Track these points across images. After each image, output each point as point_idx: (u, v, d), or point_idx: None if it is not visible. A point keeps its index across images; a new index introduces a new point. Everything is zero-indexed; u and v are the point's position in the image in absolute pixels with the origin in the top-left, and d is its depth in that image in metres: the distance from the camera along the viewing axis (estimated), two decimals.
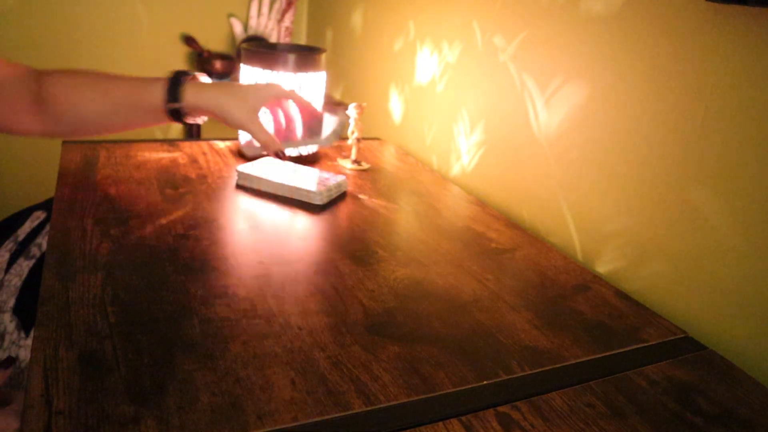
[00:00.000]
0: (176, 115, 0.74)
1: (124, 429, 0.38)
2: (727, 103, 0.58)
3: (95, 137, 0.89)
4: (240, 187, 0.82)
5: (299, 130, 0.83)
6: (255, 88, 0.77)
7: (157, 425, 0.39)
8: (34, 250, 0.84)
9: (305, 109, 0.83)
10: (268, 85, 0.78)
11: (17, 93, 0.73)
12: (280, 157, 0.78)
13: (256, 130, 0.75)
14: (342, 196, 0.83)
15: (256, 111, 0.76)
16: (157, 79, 0.74)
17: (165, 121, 0.76)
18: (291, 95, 0.80)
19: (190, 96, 0.73)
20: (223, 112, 0.74)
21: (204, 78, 0.78)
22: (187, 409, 0.40)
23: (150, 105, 0.74)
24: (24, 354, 0.76)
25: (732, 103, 0.58)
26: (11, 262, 0.83)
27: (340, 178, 0.84)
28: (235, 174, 0.84)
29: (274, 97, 0.78)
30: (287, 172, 0.83)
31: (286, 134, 0.82)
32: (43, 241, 0.84)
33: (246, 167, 0.83)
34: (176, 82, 0.73)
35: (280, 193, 0.81)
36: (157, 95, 0.73)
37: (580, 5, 0.75)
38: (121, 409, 0.40)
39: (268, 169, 0.84)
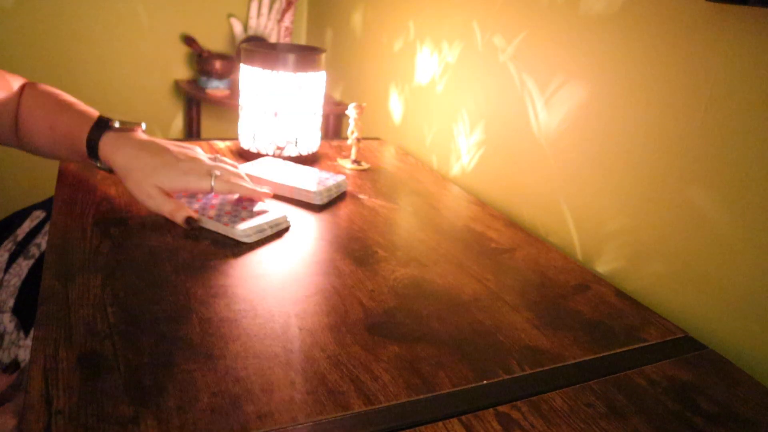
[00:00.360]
0: (104, 169, 0.71)
1: (124, 429, 0.38)
2: (727, 102, 0.58)
3: None
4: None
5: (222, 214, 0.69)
6: (171, 171, 0.66)
7: (157, 425, 0.39)
8: (34, 250, 0.84)
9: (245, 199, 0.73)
10: (190, 175, 0.67)
11: (10, 109, 0.73)
12: (190, 225, 0.66)
13: (153, 205, 0.66)
14: (342, 196, 0.83)
15: (156, 188, 0.66)
16: (88, 123, 0.69)
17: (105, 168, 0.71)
18: (211, 191, 0.68)
19: (103, 152, 0.68)
20: (125, 180, 0.67)
21: (140, 129, 0.71)
22: (187, 409, 0.40)
23: (82, 153, 0.70)
24: (23, 354, 0.76)
25: (732, 103, 0.58)
26: (10, 262, 0.83)
27: (340, 177, 0.84)
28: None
29: (192, 190, 0.68)
30: (287, 173, 0.83)
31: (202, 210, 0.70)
32: (42, 240, 0.84)
33: (245, 167, 0.83)
34: (96, 133, 0.68)
35: (279, 193, 0.81)
36: (83, 143, 0.69)
37: (580, 5, 0.75)
38: (121, 409, 0.40)
39: (267, 170, 0.83)
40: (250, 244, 0.66)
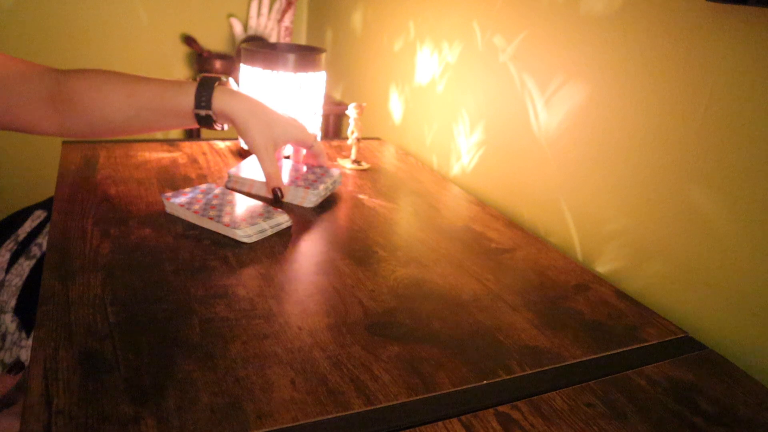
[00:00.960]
0: (204, 120, 0.73)
1: (124, 429, 0.38)
2: (727, 102, 0.58)
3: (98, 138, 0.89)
4: (231, 189, 0.80)
5: (300, 179, 0.80)
6: (285, 123, 0.75)
7: (157, 425, 0.39)
8: (35, 250, 0.84)
9: (315, 162, 0.83)
10: (299, 127, 0.77)
11: (35, 92, 0.72)
12: (276, 196, 0.75)
13: (266, 159, 0.74)
14: (338, 194, 0.83)
15: (276, 144, 0.75)
16: (186, 83, 0.73)
17: (192, 126, 0.75)
18: (312, 146, 0.80)
19: (219, 102, 0.72)
20: (247, 129, 0.73)
21: (234, 85, 0.77)
22: (187, 409, 0.40)
23: (178, 109, 0.73)
24: (25, 354, 0.76)
25: (732, 103, 0.58)
26: (12, 261, 0.83)
27: (335, 172, 0.83)
28: (226, 176, 0.83)
29: (299, 141, 0.78)
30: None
31: (289, 178, 0.80)
32: (43, 240, 0.84)
33: (241, 165, 0.82)
34: (207, 87, 0.72)
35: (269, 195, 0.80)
36: (187, 100, 0.72)
37: (580, 5, 0.75)
38: (121, 409, 0.40)
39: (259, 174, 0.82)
40: (250, 244, 0.66)
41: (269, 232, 0.68)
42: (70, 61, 1.67)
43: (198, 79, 0.73)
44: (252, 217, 0.68)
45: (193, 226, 0.68)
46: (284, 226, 0.71)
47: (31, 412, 0.38)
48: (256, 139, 0.72)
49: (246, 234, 0.65)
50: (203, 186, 0.75)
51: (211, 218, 0.67)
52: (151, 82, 0.74)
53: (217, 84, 0.73)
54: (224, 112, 0.72)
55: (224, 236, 0.66)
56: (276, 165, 0.74)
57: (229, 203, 0.71)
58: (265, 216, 0.69)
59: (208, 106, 0.71)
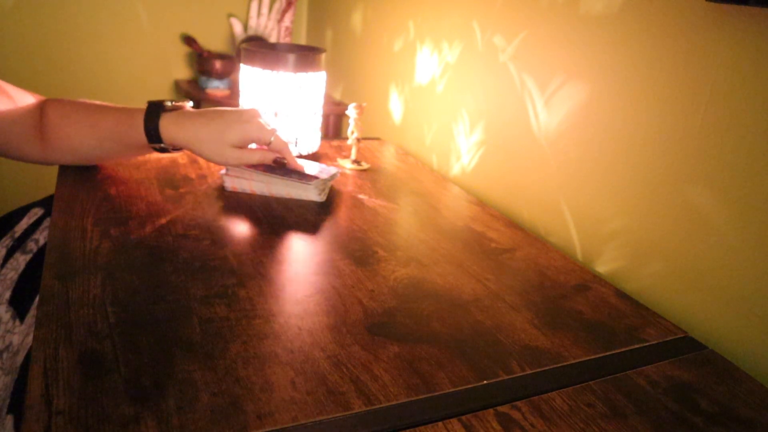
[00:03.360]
0: (165, 150, 0.74)
1: (124, 429, 0.38)
2: (727, 102, 0.58)
3: None
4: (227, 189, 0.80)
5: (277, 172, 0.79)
6: (239, 126, 0.73)
7: (157, 425, 0.39)
8: (31, 245, 0.84)
9: (285, 158, 0.79)
10: (255, 125, 0.74)
11: (23, 127, 0.74)
12: (280, 162, 0.77)
13: (233, 161, 0.73)
14: (338, 194, 0.83)
15: (230, 146, 0.73)
16: (135, 114, 0.72)
17: (151, 153, 0.75)
18: (269, 142, 0.76)
19: (166, 134, 0.71)
20: (201, 154, 0.73)
21: (188, 105, 0.76)
22: (187, 409, 0.40)
23: (135, 143, 0.73)
24: (17, 339, 0.76)
25: (731, 103, 0.58)
26: (7, 257, 0.83)
27: (333, 170, 0.83)
28: (223, 171, 0.81)
29: (256, 140, 0.75)
30: (278, 170, 0.80)
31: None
32: (40, 236, 0.84)
33: (231, 170, 0.81)
34: (152, 119, 0.71)
35: (274, 192, 0.80)
36: (138, 133, 0.72)
37: (580, 5, 0.75)
38: (121, 409, 0.40)
39: (257, 166, 0.80)
40: (251, 243, 0.65)
41: (329, 182, 0.80)
42: (71, 61, 1.67)
43: (146, 105, 0.72)
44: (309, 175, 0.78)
45: (194, 225, 0.68)
46: (336, 175, 0.82)
47: (31, 412, 0.38)
48: (213, 159, 0.73)
49: (318, 188, 0.77)
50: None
51: (282, 177, 0.75)
52: (109, 112, 0.73)
53: (162, 113, 0.71)
54: (174, 144, 0.72)
55: (223, 236, 0.66)
56: (251, 152, 0.74)
57: (282, 170, 0.78)
58: (322, 172, 0.80)
59: (159, 140, 0.71)
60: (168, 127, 0.71)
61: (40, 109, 0.74)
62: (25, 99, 0.75)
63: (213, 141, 0.72)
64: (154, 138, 0.72)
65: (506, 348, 0.52)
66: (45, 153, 0.76)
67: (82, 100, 0.76)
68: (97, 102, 0.76)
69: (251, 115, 0.74)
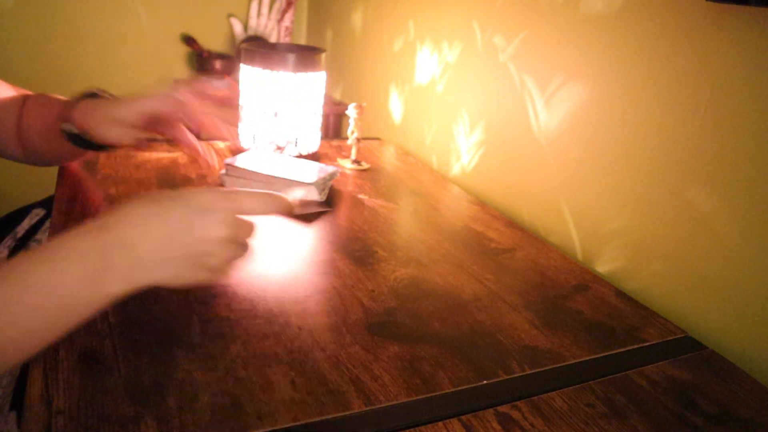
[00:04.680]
0: (79, 141, 0.68)
1: (124, 429, 0.38)
2: (727, 102, 0.58)
3: None
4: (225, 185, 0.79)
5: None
6: (127, 100, 0.67)
7: (157, 425, 0.39)
8: (33, 246, 0.84)
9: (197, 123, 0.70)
10: (148, 97, 0.67)
11: (6, 125, 0.72)
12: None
13: (131, 138, 0.66)
14: (338, 194, 0.83)
15: (132, 122, 0.66)
16: (71, 101, 0.68)
17: (81, 153, 0.70)
18: (180, 111, 0.68)
19: (79, 118, 0.66)
20: (98, 134, 0.66)
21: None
22: (187, 409, 0.40)
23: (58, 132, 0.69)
24: None
25: (731, 103, 0.58)
26: (10, 258, 0.83)
27: (332, 169, 0.83)
28: (223, 171, 0.80)
29: (152, 108, 0.67)
30: (279, 168, 0.80)
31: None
32: (42, 237, 0.84)
33: (233, 160, 0.80)
34: (75, 101, 0.67)
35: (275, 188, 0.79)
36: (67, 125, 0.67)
37: (580, 5, 0.75)
38: (121, 409, 0.40)
39: (256, 164, 0.80)
40: (250, 243, 0.65)
41: (329, 181, 0.81)
42: (70, 61, 1.67)
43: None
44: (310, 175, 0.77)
45: None
46: (335, 174, 0.82)
47: (31, 412, 0.38)
48: (109, 136, 0.66)
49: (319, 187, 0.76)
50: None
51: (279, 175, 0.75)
52: (54, 105, 0.69)
53: (82, 99, 0.67)
54: (83, 128, 0.67)
55: None
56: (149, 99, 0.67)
57: (283, 167, 0.79)
58: (321, 171, 0.80)
59: (71, 123, 0.67)
60: (83, 109, 0.67)
61: (21, 107, 0.72)
62: (6, 95, 0.73)
63: (106, 119, 0.66)
64: (65, 119, 0.67)
65: (506, 348, 0.52)
66: (26, 153, 0.74)
67: (53, 95, 0.73)
68: (62, 98, 0.73)
69: (159, 93, 0.68)
